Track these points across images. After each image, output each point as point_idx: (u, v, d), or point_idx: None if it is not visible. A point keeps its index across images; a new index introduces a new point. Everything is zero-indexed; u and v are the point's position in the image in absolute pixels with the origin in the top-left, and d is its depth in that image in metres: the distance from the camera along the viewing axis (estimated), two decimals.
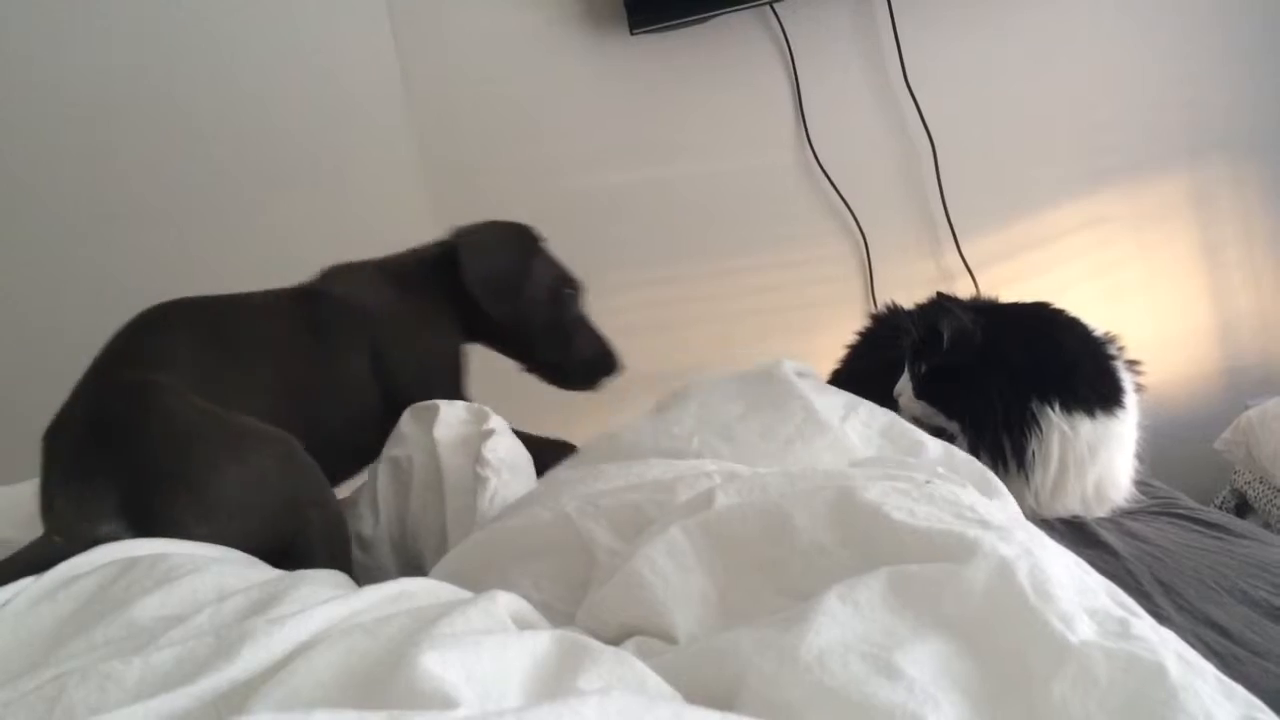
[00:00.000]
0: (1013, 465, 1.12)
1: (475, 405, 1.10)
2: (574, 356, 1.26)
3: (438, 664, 0.48)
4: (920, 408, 1.19)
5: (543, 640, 0.54)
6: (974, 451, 1.14)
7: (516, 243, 1.27)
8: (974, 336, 1.14)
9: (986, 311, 1.19)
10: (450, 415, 1.07)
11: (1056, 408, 1.11)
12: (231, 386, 1.02)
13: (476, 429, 1.06)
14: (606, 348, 1.29)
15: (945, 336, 1.16)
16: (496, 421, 1.08)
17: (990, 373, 1.13)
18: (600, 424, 1.22)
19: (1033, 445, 1.11)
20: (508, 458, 1.04)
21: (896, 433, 1.04)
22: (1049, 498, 1.13)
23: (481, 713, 0.45)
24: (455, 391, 1.21)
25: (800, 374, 1.15)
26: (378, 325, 1.16)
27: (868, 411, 1.07)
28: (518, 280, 1.23)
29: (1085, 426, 1.11)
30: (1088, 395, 1.12)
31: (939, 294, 1.26)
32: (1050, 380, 1.12)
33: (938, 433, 1.18)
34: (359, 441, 1.14)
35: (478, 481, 1.00)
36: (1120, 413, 1.15)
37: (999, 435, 1.13)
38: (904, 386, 1.21)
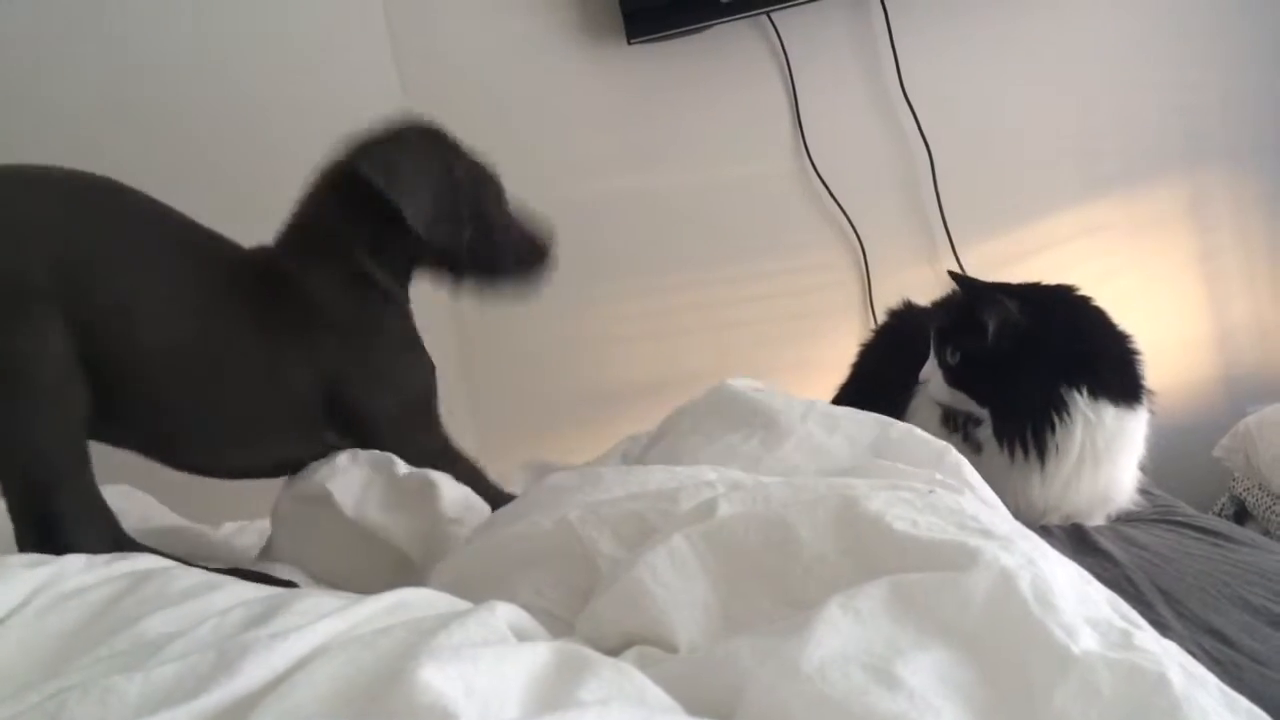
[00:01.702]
0: (1032, 452, 1.11)
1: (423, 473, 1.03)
2: (500, 261, 1.14)
3: (437, 676, 0.48)
4: (949, 394, 1.17)
5: (541, 652, 0.54)
6: (997, 437, 1.13)
7: (436, 154, 1.13)
8: (1020, 325, 1.12)
9: (1019, 296, 1.16)
10: (450, 492, 1.02)
11: (1084, 393, 1.09)
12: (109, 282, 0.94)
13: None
14: (533, 237, 1.16)
15: (991, 327, 1.13)
16: (435, 476, 1.03)
17: (1027, 360, 1.12)
18: (600, 436, 1.21)
19: (1057, 433, 1.09)
20: (462, 499, 1.02)
21: (860, 419, 1.03)
22: (1060, 490, 1.12)
23: None
24: (434, 424, 1.12)
25: (753, 390, 1.13)
26: (338, 340, 1.06)
27: (825, 405, 1.06)
28: (455, 198, 1.10)
29: (1109, 415, 1.10)
30: (1111, 382, 1.11)
31: (951, 273, 1.23)
32: (1078, 365, 1.11)
33: (960, 417, 1.17)
34: (260, 438, 1.05)
35: (450, 540, 0.97)
36: (1138, 408, 1.13)
37: (1023, 421, 1.11)
38: (931, 372, 1.19)
